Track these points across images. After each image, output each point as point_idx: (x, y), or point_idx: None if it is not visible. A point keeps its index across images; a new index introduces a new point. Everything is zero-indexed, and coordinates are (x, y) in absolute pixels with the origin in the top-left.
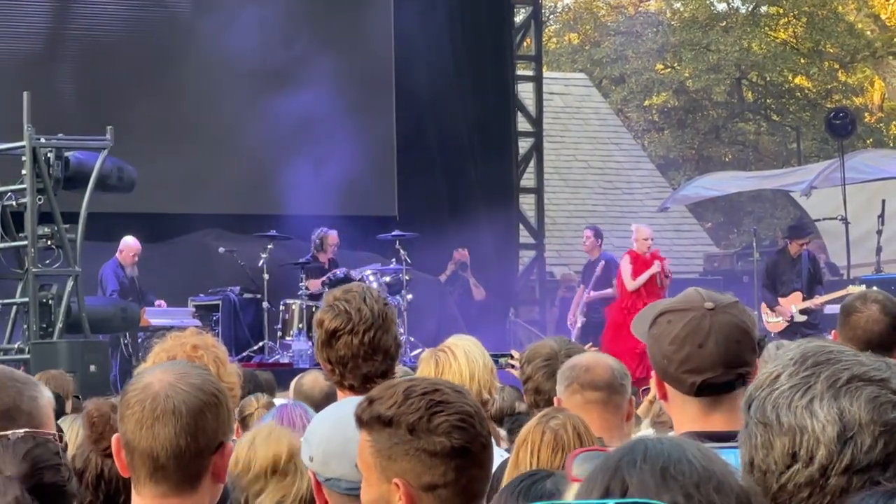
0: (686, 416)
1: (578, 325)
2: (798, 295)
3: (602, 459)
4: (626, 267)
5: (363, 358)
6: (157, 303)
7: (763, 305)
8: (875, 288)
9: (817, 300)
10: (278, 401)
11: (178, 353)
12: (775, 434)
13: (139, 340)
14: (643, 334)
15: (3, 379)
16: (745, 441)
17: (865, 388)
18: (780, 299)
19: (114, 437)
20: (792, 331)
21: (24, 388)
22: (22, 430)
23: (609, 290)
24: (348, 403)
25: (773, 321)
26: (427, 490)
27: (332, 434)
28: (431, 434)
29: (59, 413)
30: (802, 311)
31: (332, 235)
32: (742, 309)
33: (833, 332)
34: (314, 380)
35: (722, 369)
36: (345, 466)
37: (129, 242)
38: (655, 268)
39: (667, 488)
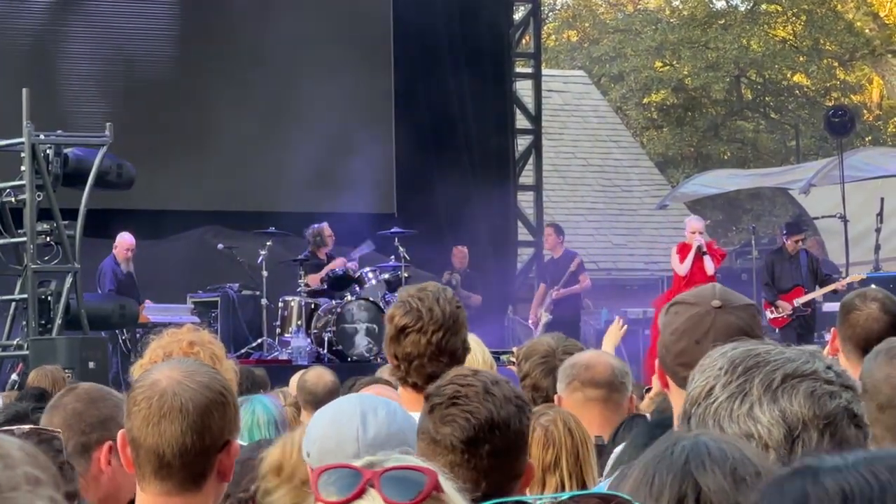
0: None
1: (544, 321)
2: (799, 291)
3: (656, 459)
4: (673, 258)
5: (429, 357)
6: (145, 301)
7: (764, 303)
8: (873, 286)
9: (819, 291)
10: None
11: (174, 349)
12: None
13: (137, 337)
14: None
15: (103, 394)
16: None
17: (800, 384)
18: (780, 296)
19: (119, 433)
20: (792, 326)
21: (119, 404)
22: (27, 427)
23: (577, 287)
24: (350, 400)
25: (775, 316)
26: None
27: (328, 431)
28: (440, 422)
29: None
30: (805, 304)
31: (326, 227)
32: (752, 314)
33: (832, 329)
34: (318, 376)
35: None
36: None
37: (123, 237)
38: (696, 242)
39: (738, 490)
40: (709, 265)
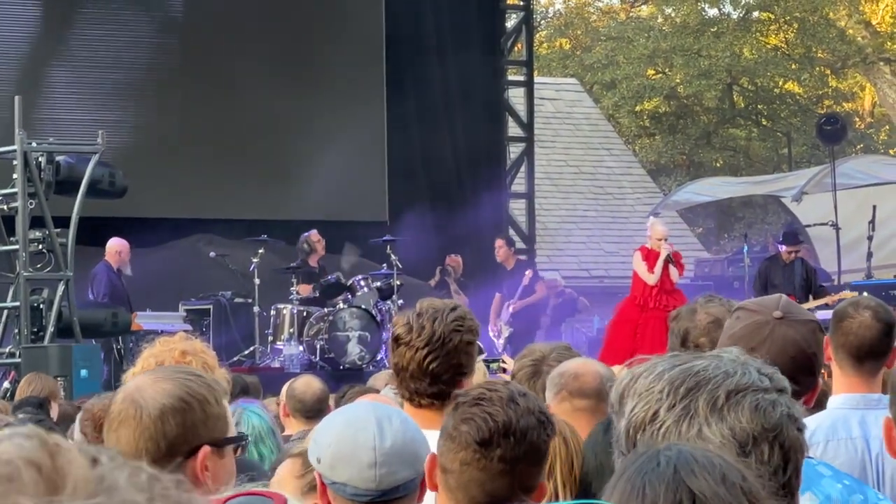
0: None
1: (506, 334)
2: (790, 299)
3: (640, 472)
4: (639, 264)
5: (411, 374)
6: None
7: None
8: (865, 294)
9: (811, 303)
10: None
11: (166, 358)
12: None
13: (130, 344)
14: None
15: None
16: None
17: (744, 399)
18: None
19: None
20: None
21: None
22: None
23: (532, 297)
24: (360, 407)
25: None
26: (442, 470)
27: (342, 437)
28: (461, 419)
29: (46, 414)
30: None
31: (314, 234)
32: (812, 329)
33: (825, 337)
34: (307, 384)
35: None
36: (352, 472)
37: (113, 243)
38: (665, 249)
39: (731, 494)
40: (674, 273)
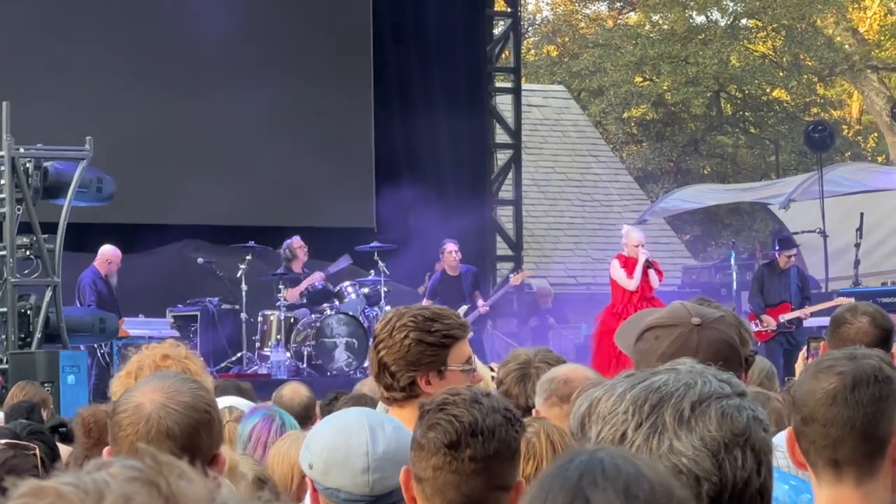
0: None
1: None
2: (786, 307)
3: (551, 476)
4: (617, 271)
5: (376, 375)
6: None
7: (750, 315)
8: (853, 299)
9: (806, 310)
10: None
11: (148, 362)
12: None
13: (116, 350)
14: (628, 347)
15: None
16: None
17: (709, 408)
18: (767, 311)
19: (105, 451)
20: (778, 341)
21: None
22: (3, 441)
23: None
24: (352, 413)
25: (758, 330)
26: (417, 480)
27: (335, 443)
28: (426, 427)
29: (39, 423)
30: (790, 321)
31: (296, 240)
32: (728, 323)
33: (822, 343)
34: (294, 391)
35: None
36: (345, 477)
37: (109, 250)
38: (643, 255)
39: None
40: (654, 279)
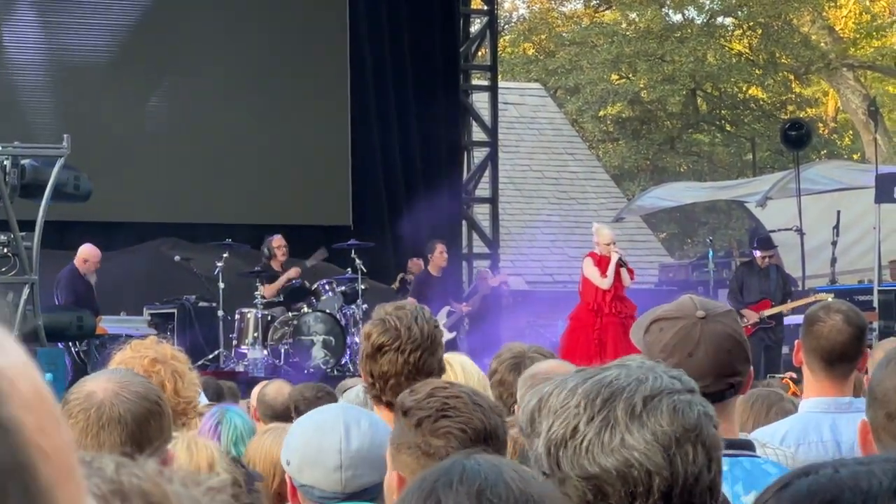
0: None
1: (446, 338)
2: (766, 303)
3: (418, 480)
4: (590, 270)
5: (406, 377)
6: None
7: None
8: (832, 297)
9: (786, 306)
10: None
11: (135, 365)
12: (605, 483)
13: (93, 347)
14: (639, 342)
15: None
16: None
17: (661, 402)
18: (747, 307)
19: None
20: (759, 336)
21: None
22: None
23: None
24: (329, 410)
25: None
26: None
27: (309, 441)
28: (431, 435)
29: None
30: (771, 317)
31: (276, 238)
32: (735, 318)
33: (796, 341)
34: (277, 389)
35: (712, 378)
36: (317, 475)
37: (89, 249)
38: (616, 254)
39: None
40: (626, 277)
